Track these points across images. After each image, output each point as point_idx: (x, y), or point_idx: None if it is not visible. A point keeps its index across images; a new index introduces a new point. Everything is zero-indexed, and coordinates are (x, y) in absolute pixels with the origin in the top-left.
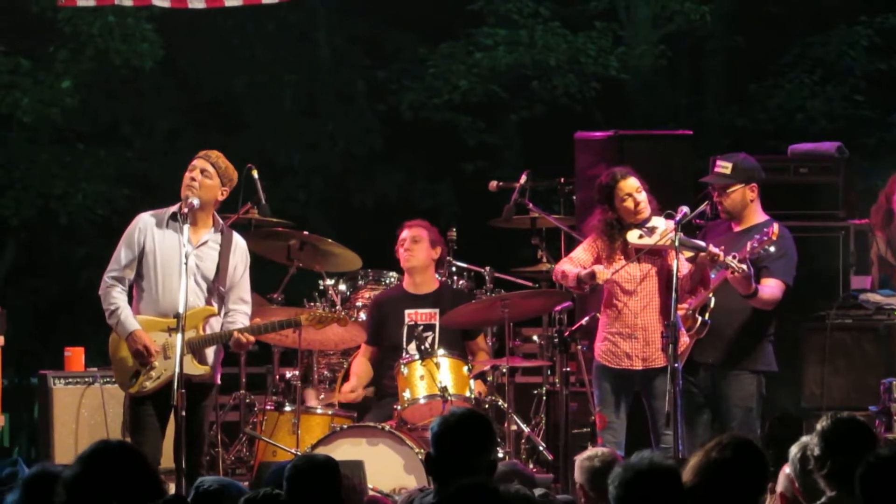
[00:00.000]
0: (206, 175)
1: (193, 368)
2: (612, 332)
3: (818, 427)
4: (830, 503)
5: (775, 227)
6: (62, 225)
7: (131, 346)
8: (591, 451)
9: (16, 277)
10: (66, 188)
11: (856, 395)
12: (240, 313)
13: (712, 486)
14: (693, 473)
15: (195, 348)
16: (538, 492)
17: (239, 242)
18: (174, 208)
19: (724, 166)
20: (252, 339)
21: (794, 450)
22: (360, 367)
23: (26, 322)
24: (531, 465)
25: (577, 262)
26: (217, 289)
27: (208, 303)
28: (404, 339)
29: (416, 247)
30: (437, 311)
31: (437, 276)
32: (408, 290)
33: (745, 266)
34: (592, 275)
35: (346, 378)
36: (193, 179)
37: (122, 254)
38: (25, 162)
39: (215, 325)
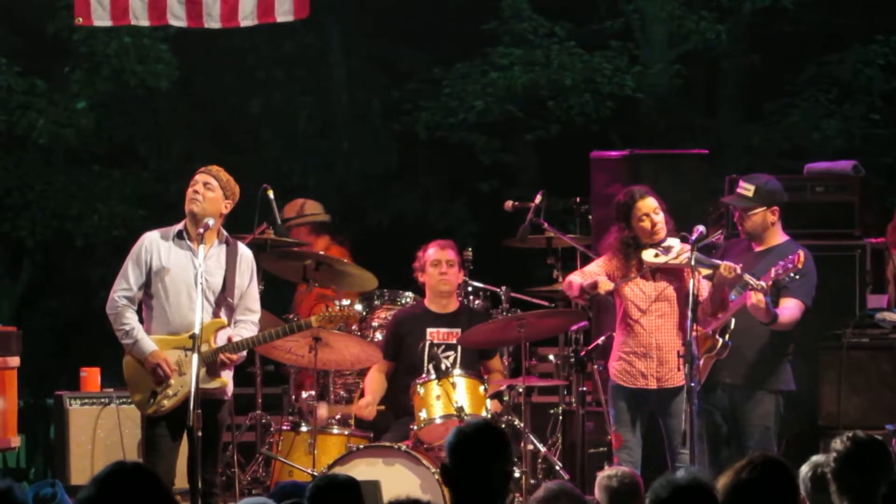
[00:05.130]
0: (209, 188)
1: (208, 382)
2: (627, 352)
3: (835, 446)
4: None
5: (801, 253)
6: (78, 246)
7: (149, 365)
8: (611, 470)
9: (32, 298)
10: (81, 209)
11: (872, 414)
12: (248, 323)
13: None
14: (723, 493)
15: (208, 362)
16: None
17: (244, 253)
18: (180, 226)
19: (746, 188)
20: (233, 357)
21: (804, 469)
22: (375, 384)
23: (42, 343)
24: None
25: (587, 275)
26: (225, 300)
27: (216, 315)
28: (425, 358)
29: (452, 270)
30: (458, 330)
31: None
32: (431, 308)
33: (764, 285)
34: (595, 285)
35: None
36: (196, 192)
37: (130, 273)
38: (41, 183)
39: (226, 336)
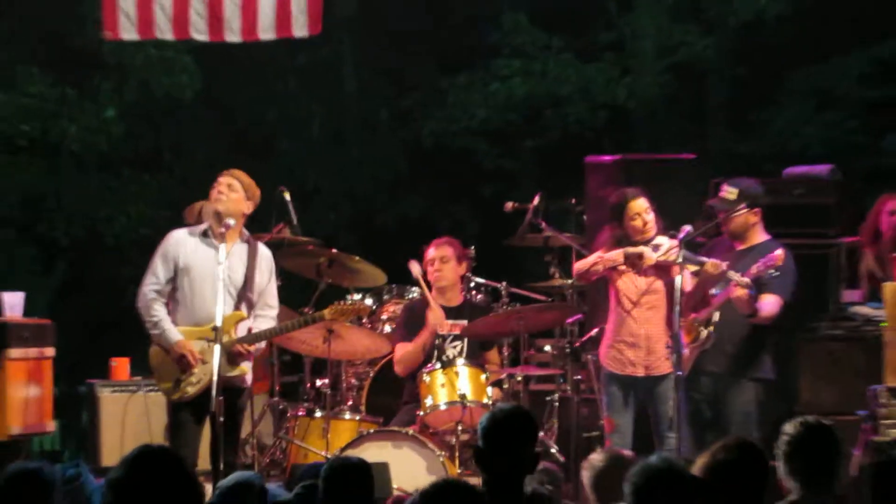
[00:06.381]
0: (233, 189)
1: (229, 370)
2: (618, 340)
3: (787, 429)
4: (798, 503)
5: (780, 251)
6: (108, 245)
7: (175, 354)
8: (596, 453)
9: (66, 294)
10: (111, 211)
11: (846, 401)
12: (266, 317)
13: (718, 484)
14: (701, 472)
15: (229, 352)
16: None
17: (264, 252)
18: (204, 225)
19: (730, 192)
20: (251, 347)
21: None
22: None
23: (75, 335)
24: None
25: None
26: (246, 295)
27: (237, 308)
28: (434, 344)
29: (445, 266)
30: (463, 322)
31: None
32: (438, 301)
33: (747, 280)
34: (641, 255)
35: (372, 385)
36: (221, 192)
37: (159, 269)
38: (74, 186)
39: (245, 328)
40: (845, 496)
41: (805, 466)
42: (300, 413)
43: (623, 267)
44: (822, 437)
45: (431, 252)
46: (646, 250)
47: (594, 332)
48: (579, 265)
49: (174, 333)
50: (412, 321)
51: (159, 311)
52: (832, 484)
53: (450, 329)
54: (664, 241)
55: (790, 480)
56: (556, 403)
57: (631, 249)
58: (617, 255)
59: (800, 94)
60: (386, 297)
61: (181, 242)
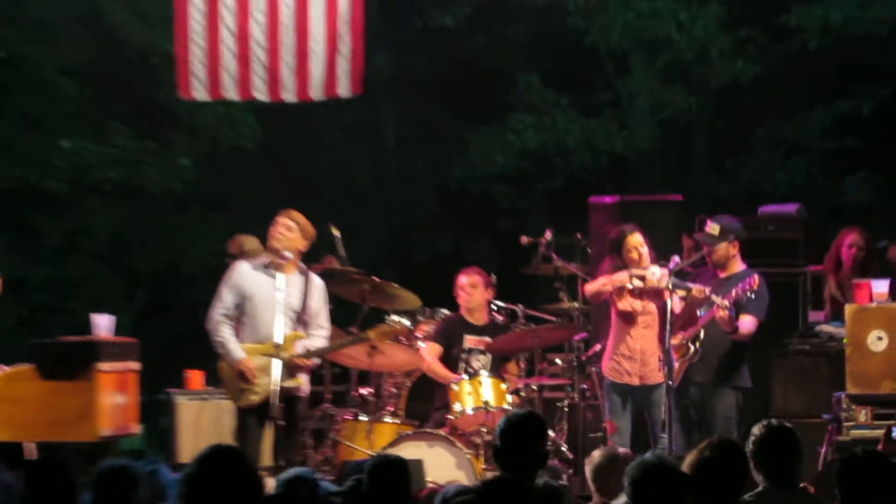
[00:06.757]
0: (290, 230)
1: (288, 381)
2: (617, 354)
3: (754, 431)
4: (762, 494)
5: (755, 277)
6: (183, 274)
7: (236, 370)
8: (597, 451)
9: (147, 316)
10: (185, 245)
11: (813, 407)
12: (319, 336)
13: (705, 478)
14: (689, 468)
15: (288, 365)
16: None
17: (317, 281)
18: (265, 258)
19: (712, 227)
20: (308, 362)
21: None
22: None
23: (156, 351)
24: (557, 462)
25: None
26: (302, 317)
27: (294, 329)
28: (462, 357)
29: (475, 291)
30: (487, 338)
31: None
32: (467, 320)
33: (728, 304)
34: (643, 277)
35: (409, 393)
36: (280, 233)
37: (227, 296)
38: (153, 225)
39: (302, 346)
40: (811, 487)
41: (769, 462)
42: (348, 417)
43: (626, 289)
44: (784, 437)
45: (463, 279)
46: (647, 272)
47: (597, 347)
48: (591, 287)
49: (237, 353)
50: (446, 330)
51: (224, 333)
52: (793, 477)
53: (476, 344)
54: (656, 270)
55: (757, 474)
56: (566, 409)
57: (635, 271)
58: (623, 276)
59: (770, 144)
60: (420, 318)
61: (245, 273)
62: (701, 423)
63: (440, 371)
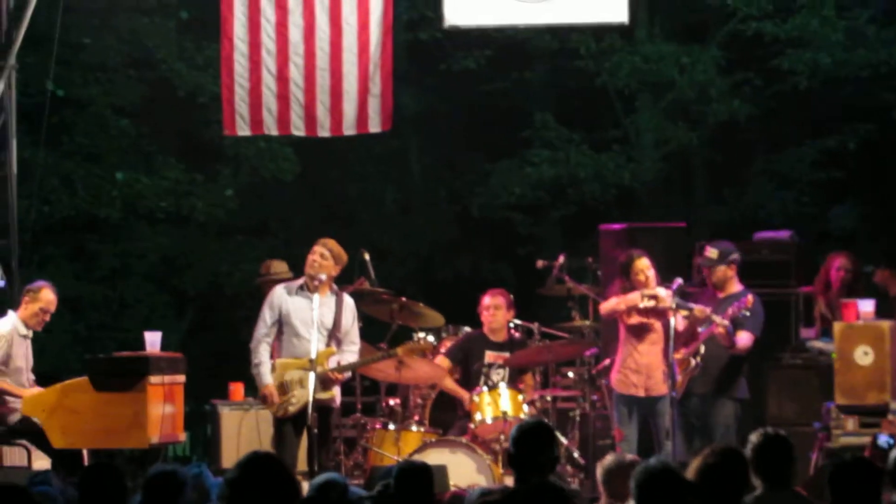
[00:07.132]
0: (324, 257)
1: (322, 393)
2: (625, 368)
3: (752, 438)
4: (760, 497)
5: (750, 297)
6: (226, 294)
7: (261, 392)
8: (609, 456)
9: (193, 332)
10: (229, 268)
11: (804, 416)
12: (351, 352)
13: (708, 482)
14: (694, 473)
15: (322, 379)
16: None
17: (349, 302)
18: (301, 282)
19: (712, 252)
20: (340, 375)
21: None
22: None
23: (201, 365)
24: (568, 467)
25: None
26: (335, 335)
27: (328, 345)
28: (482, 372)
29: (498, 312)
30: (507, 354)
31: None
32: (488, 337)
33: (727, 322)
34: (655, 296)
35: (433, 404)
36: (315, 261)
37: (267, 318)
38: (200, 249)
39: (335, 361)
40: (803, 491)
41: (766, 467)
42: (377, 426)
43: (636, 308)
44: (779, 444)
45: (487, 300)
46: (658, 292)
47: (607, 362)
48: (605, 306)
49: (266, 377)
50: (464, 349)
51: (262, 355)
52: (789, 481)
53: (495, 359)
54: (661, 291)
55: (755, 478)
56: (578, 418)
57: (647, 291)
58: (635, 296)
59: (764, 176)
60: (444, 335)
61: (282, 295)
62: (702, 431)
63: (449, 385)
